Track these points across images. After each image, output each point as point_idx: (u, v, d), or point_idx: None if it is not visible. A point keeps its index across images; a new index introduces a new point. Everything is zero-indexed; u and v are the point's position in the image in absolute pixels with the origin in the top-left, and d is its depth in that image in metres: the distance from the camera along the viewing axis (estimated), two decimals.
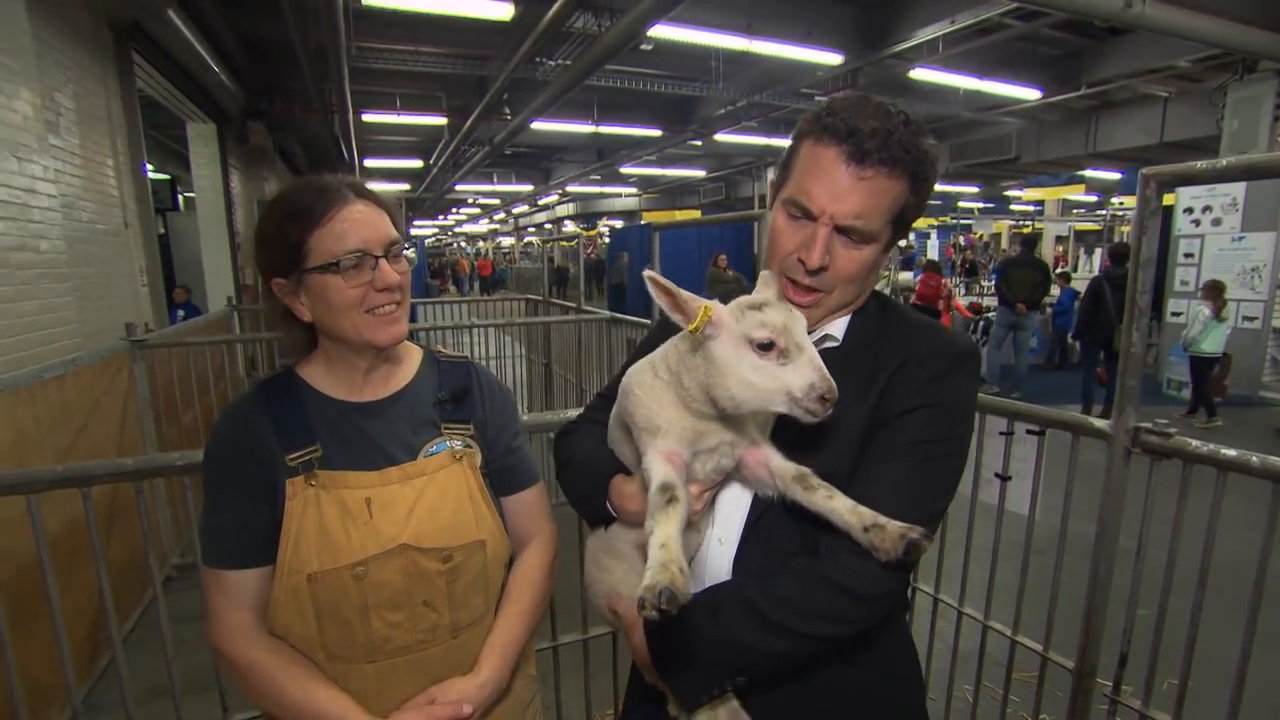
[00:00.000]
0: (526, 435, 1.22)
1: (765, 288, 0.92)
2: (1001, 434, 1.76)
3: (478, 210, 30.05)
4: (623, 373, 1.03)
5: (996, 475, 1.77)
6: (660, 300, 0.85)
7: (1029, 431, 1.71)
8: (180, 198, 9.83)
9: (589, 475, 1.03)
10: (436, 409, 1.08)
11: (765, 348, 0.82)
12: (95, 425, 3.18)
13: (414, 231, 29.51)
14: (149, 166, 10.37)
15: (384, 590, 0.96)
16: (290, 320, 1.01)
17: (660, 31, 6.43)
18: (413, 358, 1.12)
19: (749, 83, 9.36)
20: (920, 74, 8.30)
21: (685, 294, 0.85)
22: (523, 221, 32.83)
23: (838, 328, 0.99)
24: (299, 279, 0.96)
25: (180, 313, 6.81)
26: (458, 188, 19.70)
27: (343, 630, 0.96)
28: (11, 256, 2.97)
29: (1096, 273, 14.03)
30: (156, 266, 5.17)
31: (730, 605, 0.88)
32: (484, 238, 43.06)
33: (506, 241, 38.94)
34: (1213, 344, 6.56)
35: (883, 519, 0.81)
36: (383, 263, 0.97)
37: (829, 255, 0.90)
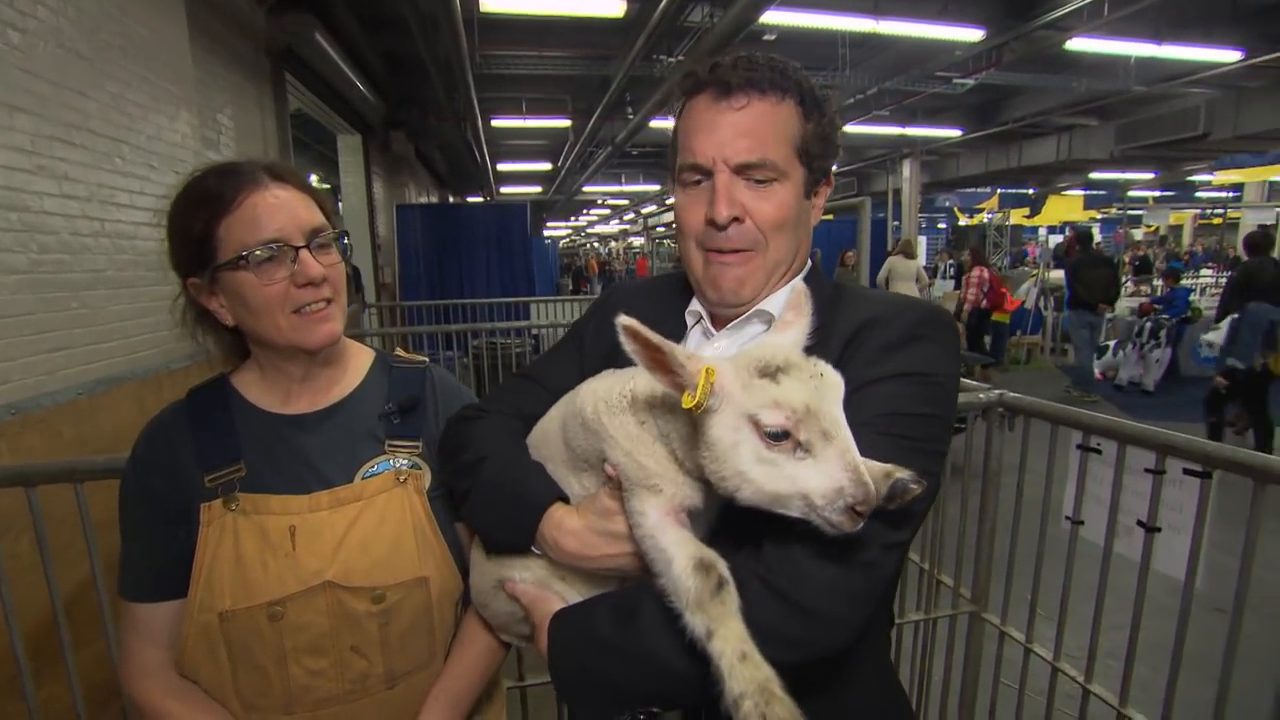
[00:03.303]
0: None
1: (795, 316, 0.72)
2: (1148, 472, 1.41)
3: (607, 211, 30.74)
4: (552, 367, 0.92)
5: (1139, 524, 1.42)
6: (640, 359, 0.65)
7: (1188, 472, 1.35)
8: (340, 205, 10.87)
9: (510, 496, 0.82)
10: (382, 422, 0.95)
11: (777, 438, 0.61)
12: None
13: (547, 232, 30.70)
14: (314, 177, 11.51)
15: (304, 633, 0.85)
16: (211, 324, 0.91)
17: (780, 18, 6.14)
18: (360, 362, 1.00)
19: (879, 68, 8.74)
20: (1079, 44, 7.26)
21: (678, 350, 0.64)
22: (651, 221, 33.16)
23: (775, 302, 0.87)
24: (211, 276, 0.86)
25: None
26: (586, 189, 20.22)
27: (257, 677, 0.85)
28: (168, 260, 3.34)
29: None
30: None
31: (647, 608, 0.69)
32: (615, 238, 44.02)
33: (637, 242, 39.52)
34: None
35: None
36: (303, 254, 0.85)
37: (740, 205, 0.82)
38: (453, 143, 11.62)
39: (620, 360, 0.85)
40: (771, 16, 5.80)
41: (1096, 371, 8.37)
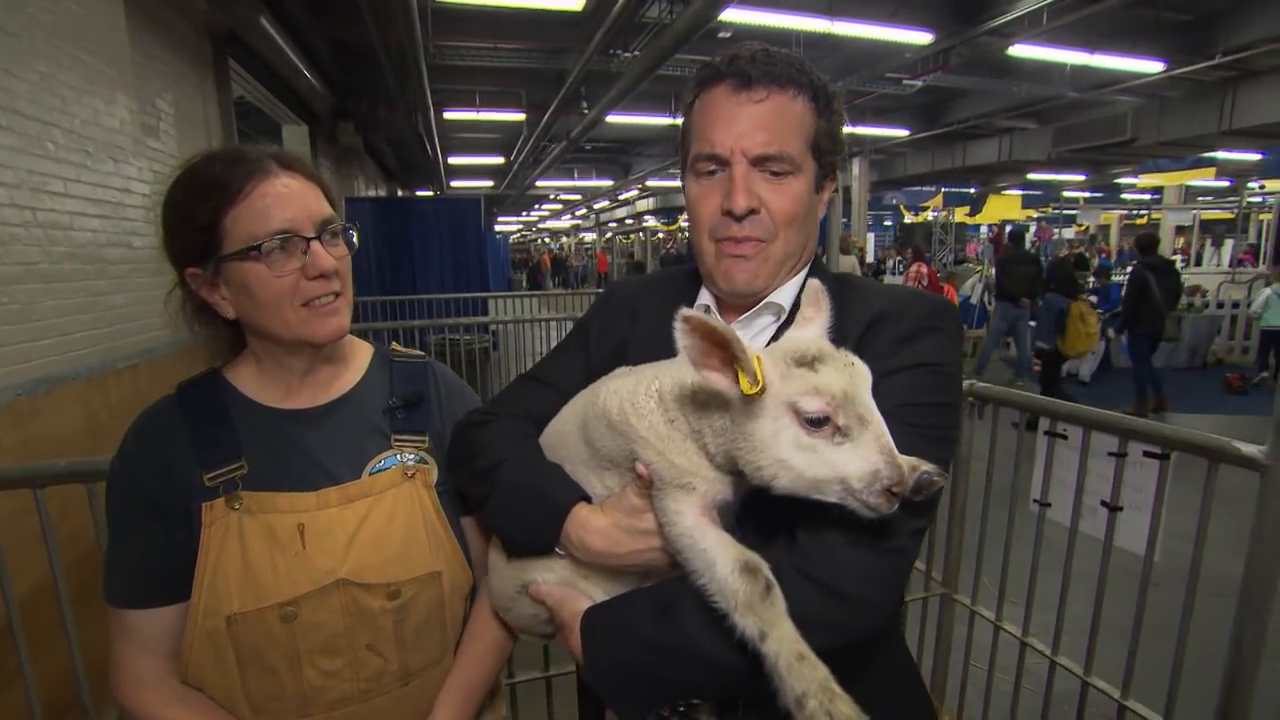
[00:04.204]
0: None
1: (814, 312, 0.73)
2: (1111, 455, 1.49)
3: (560, 206, 30.50)
4: (556, 367, 0.91)
5: (1103, 504, 1.50)
6: (694, 351, 0.63)
7: (1147, 454, 1.43)
8: None
9: (532, 499, 0.82)
10: (386, 417, 0.93)
11: (817, 424, 0.62)
12: None
13: (498, 227, 30.29)
14: None
15: (318, 633, 0.82)
16: (209, 317, 0.87)
17: (737, 16, 6.19)
18: (361, 357, 0.97)
19: (832, 68, 8.91)
20: (1020, 50, 7.61)
21: (743, 342, 0.64)
22: (604, 217, 33.08)
23: (785, 294, 0.88)
24: (215, 268, 0.82)
25: None
26: (539, 184, 20.02)
27: (269, 680, 0.82)
28: (105, 252, 3.15)
29: (1225, 266, 12.67)
30: None
31: (685, 602, 0.70)
32: (567, 233, 43.73)
33: (589, 237, 39.36)
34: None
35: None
36: (315, 245, 0.82)
37: (756, 196, 0.83)
38: (403, 135, 11.32)
39: (631, 358, 0.85)
40: (728, 14, 5.85)
41: (1035, 364, 8.78)
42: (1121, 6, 6.75)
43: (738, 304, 0.90)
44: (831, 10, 6.50)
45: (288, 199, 0.82)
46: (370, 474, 0.89)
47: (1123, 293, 7.40)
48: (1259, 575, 1.22)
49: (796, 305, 0.84)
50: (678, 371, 0.74)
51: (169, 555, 0.82)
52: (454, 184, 19.83)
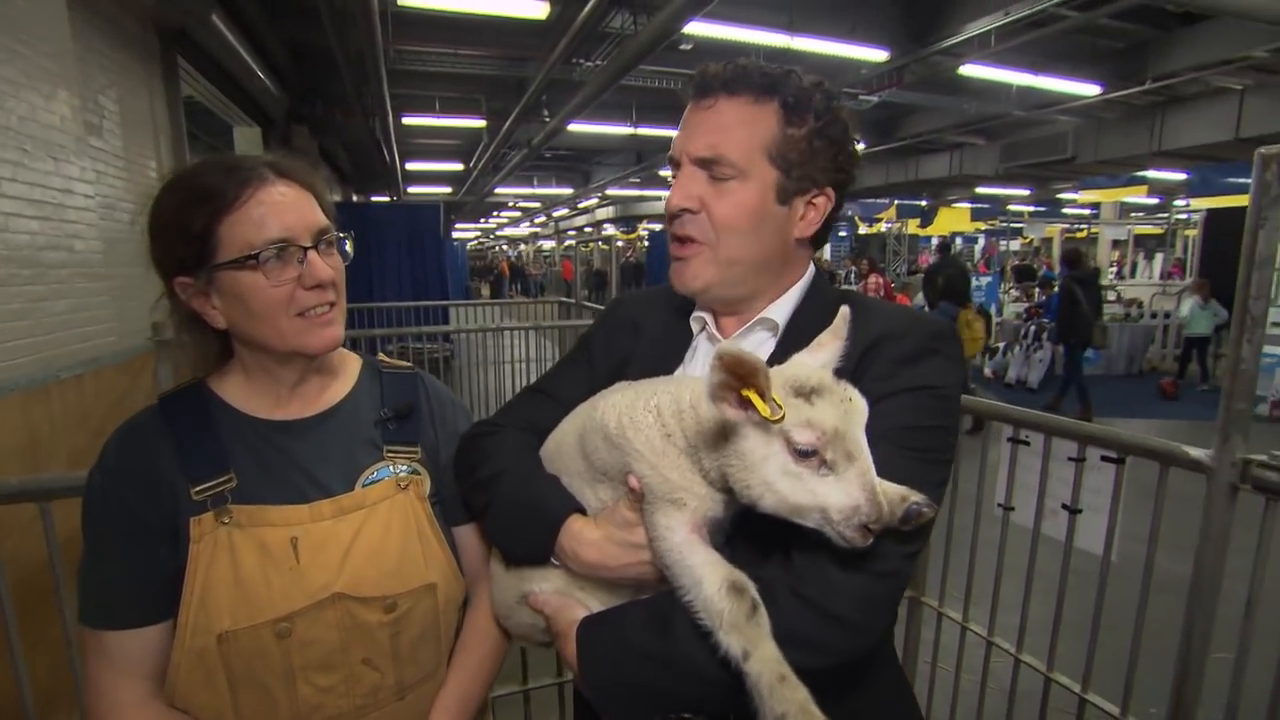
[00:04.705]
0: None
1: (831, 339, 0.73)
2: (1071, 460, 1.55)
3: (519, 214, 30.30)
4: (559, 379, 0.92)
5: (1064, 507, 1.56)
6: (721, 386, 0.63)
7: (1104, 458, 1.49)
8: None
9: (529, 510, 0.83)
10: (378, 428, 0.92)
11: (805, 455, 0.64)
12: (113, 426, 3.18)
13: (455, 234, 29.90)
14: None
15: (314, 649, 0.80)
16: (199, 326, 0.85)
17: (699, 29, 6.27)
18: (350, 368, 0.96)
19: None
20: (970, 70, 7.92)
21: (769, 374, 0.65)
22: (563, 225, 33.00)
23: (780, 310, 0.89)
24: (208, 277, 0.80)
25: None
26: (498, 191, 19.85)
27: (262, 699, 0.80)
28: (44, 255, 2.99)
29: (1156, 278, 13.38)
30: None
31: (680, 616, 0.71)
32: (525, 241, 43.43)
33: (547, 245, 39.19)
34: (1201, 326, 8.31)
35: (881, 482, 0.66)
36: (312, 255, 0.81)
37: (696, 198, 0.84)
38: (359, 139, 11.09)
39: (631, 373, 0.87)
40: (691, 28, 5.93)
41: (988, 370, 9.09)
42: (1062, 33, 7.11)
43: (730, 316, 0.91)
44: (791, 26, 6.66)
45: (285, 207, 0.80)
46: (363, 485, 0.87)
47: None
48: (1206, 568, 1.28)
49: (798, 322, 0.85)
50: (677, 388, 0.75)
51: (152, 573, 0.79)
52: (411, 190, 19.50)
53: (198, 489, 0.80)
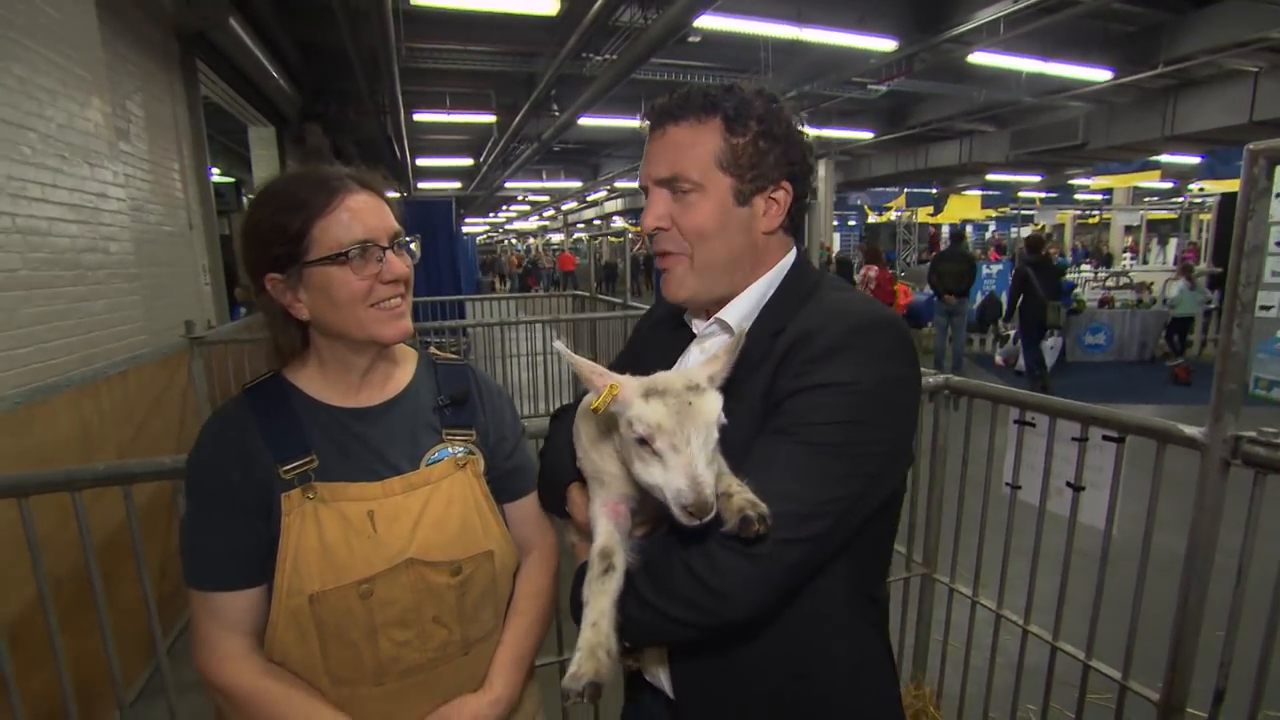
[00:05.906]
0: (526, 439, 1.17)
1: (725, 356, 0.83)
2: (1074, 440, 1.63)
3: (528, 207, 30.38)
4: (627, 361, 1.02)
5: (1068, 484, 1.64)
6: (583, 378, 0.83)
7: (1106, 438, 1.57)
8: (245, 200, 10.20)
9: (553, 474, 1.01)
10: (437, 414, 1.03)
11: (641, 443, 0.77)
12: (155, 420, 3.32)
13: (465, 229, 30.03)
14: (215, 170, 10.86)
15: (392, 608, 0.91)
16: (286, 320, 0.95)
17: (708, 22, 6.31)
18: (409, 360, 1.07)
19: (799, 73, 9.12)
20: (979, 58, 7.91)
21: (585, 367, 0.82)
22: (572, 218, 33.03)
23: (734, 312, 0.96)
24: (298, 274, 0.91)
25: (242, 310, 7.05)
26: (507, 185, 19.93)
27: (348, 652, 0.91)
28: (84, 258, 3.11)
29: (1170, 263, 13.29)
30: (219, 266, 5.38)
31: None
32: (534, 234, 43.53)
33: (556, 238, 39.27)
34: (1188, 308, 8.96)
35: (736, 489, 0.76)
36: (389, 253, 0.93)
37: (667, 216, 0.94)
38: (371, 136, 11.21)
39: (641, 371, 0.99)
40: (701, 21, 5.97)
41: (998, 358, 9.11)
42: (1073, 18, 7.08)
43: (699, 324, 1.03)
44: (800, 17, 6.68)
45: (368, 212, 0.92)
46: (427, 464, 0.98)
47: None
48: (1201, 538, 1.36)
49: (764, 321, 0.91)
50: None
51: (250, 542, 0.90)
52: (421, 185, 19.63)
53: (285, 468, 0.90)
